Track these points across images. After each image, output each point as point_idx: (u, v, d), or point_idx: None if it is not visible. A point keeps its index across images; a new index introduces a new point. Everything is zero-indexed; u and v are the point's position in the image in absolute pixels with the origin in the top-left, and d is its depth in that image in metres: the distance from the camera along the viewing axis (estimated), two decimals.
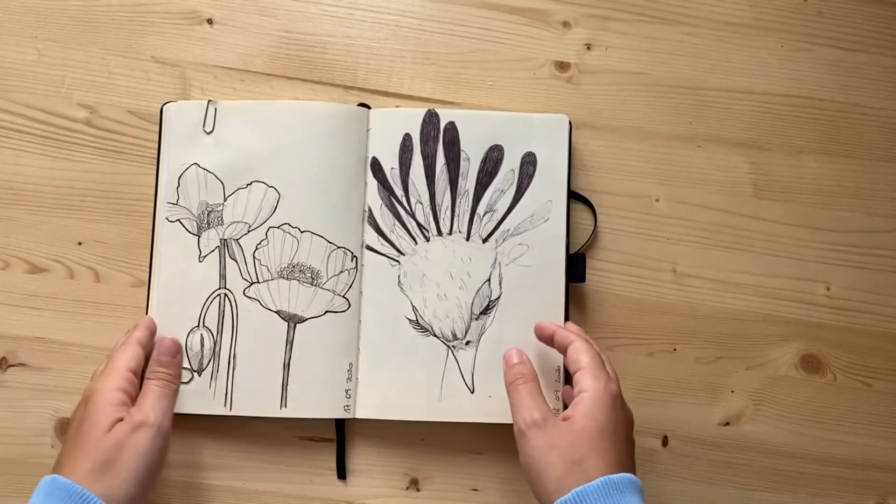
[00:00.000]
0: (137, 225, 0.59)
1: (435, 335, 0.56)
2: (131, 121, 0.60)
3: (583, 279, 0.57)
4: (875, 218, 0.61)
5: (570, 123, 0.58)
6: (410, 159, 0.57)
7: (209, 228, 0.56)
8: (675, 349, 0.59)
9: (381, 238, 0.57)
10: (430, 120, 0.58)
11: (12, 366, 0.58)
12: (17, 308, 0.58)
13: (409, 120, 0.58)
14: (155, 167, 0.58)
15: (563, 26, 0.62)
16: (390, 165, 0.57)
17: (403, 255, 0.57)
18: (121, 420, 0.46)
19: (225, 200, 0.56)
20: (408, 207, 0.57)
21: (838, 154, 0.62)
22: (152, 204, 0.57)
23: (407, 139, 0.57)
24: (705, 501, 0.58)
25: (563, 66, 0.62)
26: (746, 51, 0.62)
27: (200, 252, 0.56)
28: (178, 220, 0.56)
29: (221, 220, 0.56)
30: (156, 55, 0.61)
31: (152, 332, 0.53)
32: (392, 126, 0.58)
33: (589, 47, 0.62)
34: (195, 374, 0.54)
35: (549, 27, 0.62)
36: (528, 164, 0.57)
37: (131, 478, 0.44)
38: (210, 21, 0.61)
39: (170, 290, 0.56)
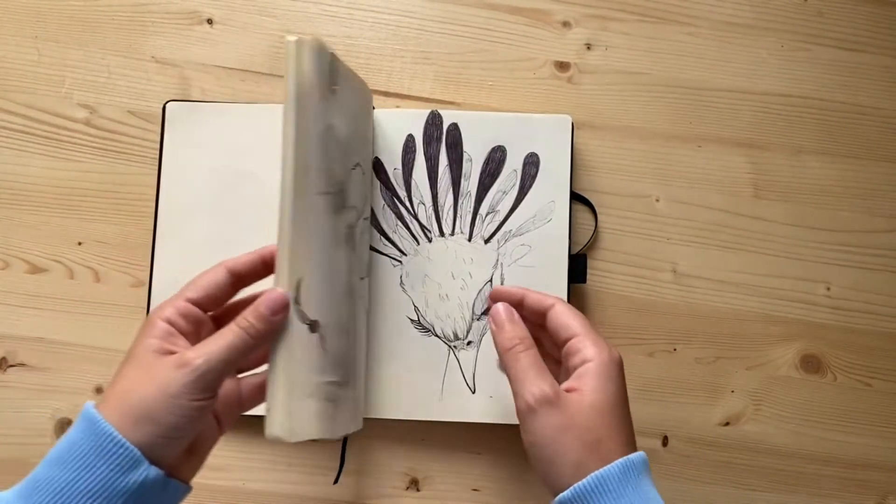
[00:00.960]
0: (137, 225, 0.59)
1: (436, 335, 0.56)
2: (131, 121, 0.60)
3: (583, 280, 0.57)
4: (875, 218, 0.61)
5: (571, 124, 0.58)
6: (413, 160, 0.57)
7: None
8: (675, 349, 0.59)
9: (383, 238, 0.57)
10: (433, 121, 0.58)
11: (12, 366, 0.58)
12: (17, 308, 0.58)
13: (412, 121, 0.58)
14: (157, 167, 0.58)
15: (563, 26, 0.62)
16: (393, 166, 0.57)
17: (406, 255, 0.57)
18: (169, 352, 0.38)
19: None
20: (410, 208, 0.57)
21: (838, 154, 0.62)
22: (153, 204, 0.57)
23: (410, 140, 0.57)
24: (705, 501, 0.58)
25: (563, 66, 0.62)
26: (746, 51, 0.62)
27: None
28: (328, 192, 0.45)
29: None
30: (156, 55, 0.61)
31: (264, 264, 0.43)
32: (395, 127, 0.58)
33: (589, 47, 0.62)
34: None
35: (549, 27, 0.62)
36: (531, 165, 0.57)
37: (164, 433, 0.36)
38: (210, 21, 0.61)
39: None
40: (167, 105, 0.58)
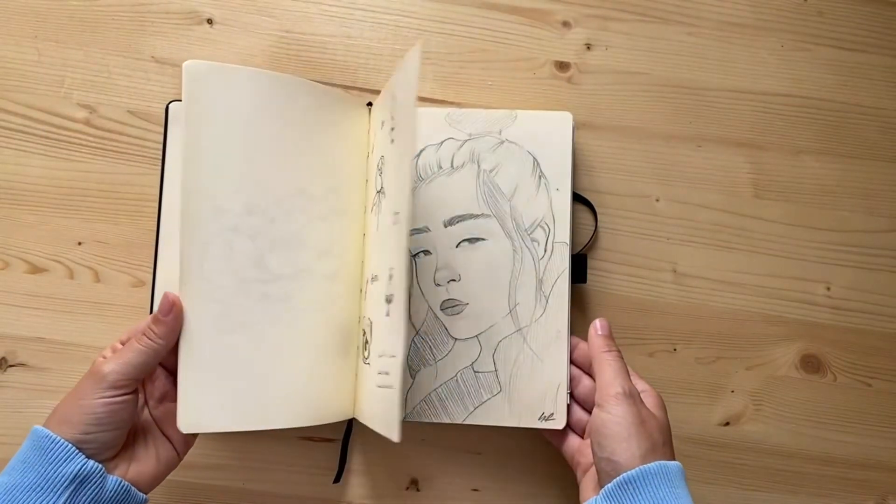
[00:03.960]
0: (137, 225, 0.59)
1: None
2: (131, 121, 0.60)
3: (584, 280, 0.57)
4: (875, 218, 0.61)
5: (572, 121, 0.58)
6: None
7: None
8: (675, 349, 0.59)
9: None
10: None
11: (12, 366, 0.58)
12: (17, 308, 0.58)
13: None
14: (159, 167, 0.58)
15: (563, 26, 0.62)
16: None
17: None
18: None
19: None
20: None
21: (838, 154, 0.62)
22: (153, 203, 0.57)
23: None
24: (705, 501, 0.58)
25: (563, 65, 0.62)
26: (746, 51, 0.62)
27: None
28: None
29: None
30: (156, 55, 0.61)
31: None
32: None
33: (589, 47, 0.62)
34: None
35: (549, 27, 0.62)
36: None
37: (84, 429, 0.43)
38: (210, 21, 0.61)
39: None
40: (170, 105, 0.58)
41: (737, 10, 0.62)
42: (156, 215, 0.57)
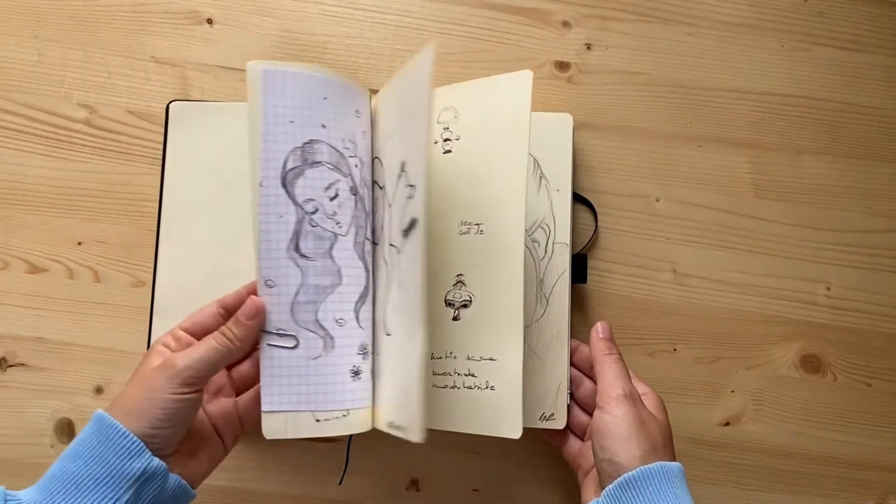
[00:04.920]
0: (137, 225, 0.59)
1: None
2: (131, 121, 0.60)
3: (584, 280, 0.57)
4: (875, 218, 0.61)
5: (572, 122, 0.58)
6: None
7: None
8: (675, 349, 0.59)
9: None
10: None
11: (12, 366, 0.58)
12: (17, 308, 0.58)
13: None
14: (159, 167, 0.58)
15: (563, 26, 0.62)
16: None
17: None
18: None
19: None
20: None
21: (838, 154, 0.62)
22: (153, 203, 0.57)
23: None
24: (705, 501, 0.58)
25: (563, 65, 0.62)
26: (746, 51, 0.62)
27: None
28: None
29: None
30: (156, 55, 0.61)
31: (241, 298, 0.48)
32: None
33: (589, 47, 0.62)
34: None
35: (549, 27, 0.62)
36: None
37: (153, 423, 0.42)
38: (210, 21, 0.61)
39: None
40: (170, 105, 0.58)
41: (737, 10, 0.62)
42: (156, 215, 0.57)
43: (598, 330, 0.52)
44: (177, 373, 0.42)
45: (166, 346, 0.45)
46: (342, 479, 0.57)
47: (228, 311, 0.47)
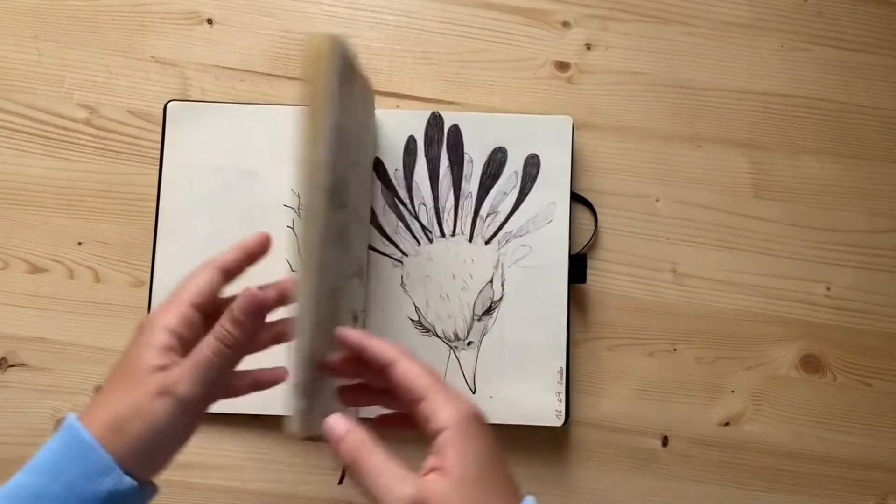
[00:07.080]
0: (137, 225, 0.59)
1: (437, 335, 0.56)
2: (131, 121, 0.60)
3: (583, 280, 0.57)
4: (875, 218, 0.61)
5: (572, 125, 0.58)
6: (414, 161, 0.57)
7: None
8: (675, 349, 0.59)
9: (384, 238, 0.57)
10: (435, 122, 0.58)
11: (12, 366, 0.58)
12: (17, 308, 0.58)
13: (413, 122, 0.58)
14: (157, 166, 0.58)
15: (563, 26, 0.62)
16: (394, 167, 0.57)
17: (407, 255, 0.57)
18: (162, 368, 0.38)
19: None
20: (411, 209, 0.57)
21: (838, 154, 0.62)
22: (153, 203, 0.57)
23: (411, 141, 0.57)
24: (705, 501, 0.58)
25: (563, 66, 0.62)
26: (746, 51, 0.62)
27: None
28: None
29: None
30: (156, 55, 0.60)
31: (248, 256, 0.43)
32: (396, 128, 0.58)
33: (589, 47, 0.62)
34: None
35: (549, 27, 0.62)
36: (532, 167, 0.57)
37: (138, 447, 0.37)
38: (210, 21, 0.61)
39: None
40: (168, 105, 0.58)
41: (737, 10, 0.62)
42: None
43: (339, 426, 0.39)
44: (193, 406, 0.38)
45: (175, 333, 0.39)
46: (342, 479, 0.57)
47: (228, 277, 0.42)
